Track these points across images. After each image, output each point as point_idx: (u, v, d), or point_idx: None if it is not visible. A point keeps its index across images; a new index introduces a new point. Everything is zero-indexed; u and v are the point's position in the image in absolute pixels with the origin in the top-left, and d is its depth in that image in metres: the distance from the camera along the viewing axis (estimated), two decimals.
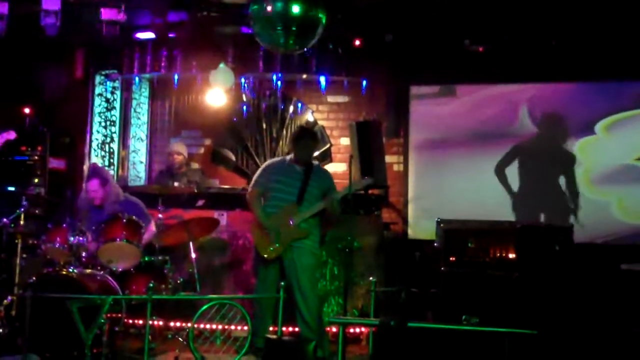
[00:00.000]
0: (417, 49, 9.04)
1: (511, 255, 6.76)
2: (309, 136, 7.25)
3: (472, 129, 9.27)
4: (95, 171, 7.50)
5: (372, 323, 6.15)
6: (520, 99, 9.17)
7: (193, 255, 7.14)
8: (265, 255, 6.95)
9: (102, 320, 6.33)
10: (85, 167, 9.63)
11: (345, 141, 9.53)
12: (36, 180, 9.34)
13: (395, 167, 9.47)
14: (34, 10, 8.22)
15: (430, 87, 9.52)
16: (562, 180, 8.97)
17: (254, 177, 7.24)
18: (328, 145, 9.58)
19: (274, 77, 9.45)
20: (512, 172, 9.10)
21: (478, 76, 9.14)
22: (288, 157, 7.23)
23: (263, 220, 6.98)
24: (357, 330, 7.60)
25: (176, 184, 8.63)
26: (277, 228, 6.92)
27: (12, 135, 6.78)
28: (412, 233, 9.26)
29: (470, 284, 6.63)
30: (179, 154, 8.97)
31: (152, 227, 7.46)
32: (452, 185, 9.18)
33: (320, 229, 7.16)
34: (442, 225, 7.25)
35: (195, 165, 9.40)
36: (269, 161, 7.45)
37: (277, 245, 6.90)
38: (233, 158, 9.72)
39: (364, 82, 9.37)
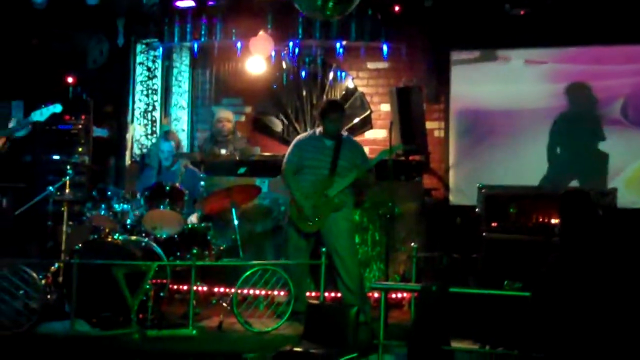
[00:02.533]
0: (457, 13, 8.93)
1: (553, 221, 6.73)
2: (335, 109, 7.24)
3: (513, 94, 9.17)
4: (171, 133, 7.60)
5: (414, 288, 6.18)
6: (562, 63, 9.04)
7: (235, 222, 7.20)
8: (303, 229, 7.02)
9: (148, 286, 6.47)
10: (129, 136, 9.74)
11: (385, 107, 9.49)
12: (80, 149, 9.47)
13: (436, 133, 9.41)
14: None
15: (471, 52, 9.41)
16: (602, 146, 8.86)
17: (286, 155, 7.27)
18: (368, 112, 9.56)
19: (314, 44, 9.44)
20: (554, 137, 9.00)
21: (519, 40, 9.01)
22: (317, 131, 7.24)
23: (299, 199, 7.03)
24: (399, 295, 7.64)
25: (222, 151, 8.67)
26: (313, 203, 6.97)
27: (58, 108, 6.87)
28: (453, 199, 9.22)
29: (512, 249, 6.60)
30: (228, 121, 8.99)
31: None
32: (493, 150, 9.11)
33: (354, 197, 7.20)
34: (483, 190, 7.22)
35: (239, 133, 9.43)
36: (298, 137, 7.45)
37: (315, 219, 6.97)
38: (275, 126, 9.75)
39: (404, 48, 9.31)
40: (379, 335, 5.69)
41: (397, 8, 9.03)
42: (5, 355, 5.97)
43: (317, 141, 7.14)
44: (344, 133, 7.35)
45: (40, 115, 6.82)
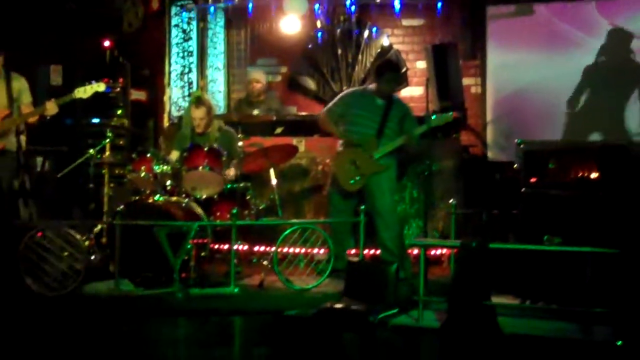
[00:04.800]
0: None
1: (593, 175, 6.68)
2: (393, 69, 7.23)
3: (550, 48, 9.06)
4: (202, 100, 7.61)
5: (453, 245, 6.19)
6: (599, 14, 8.91)
7: (274, 182, 7.24)
8: (346, 188, 7.05)
9: (189, 246, 6.55)
10: (166, 98, 9.80)
11: (421, 65, 9.45)
12: (119, 112, 9.57)
13: (473, 90, 9.36)
14: None
15: (507, 7, 9.31)
16: None
17: (330, 104, 7.27)
18: (404, 70, 9.52)
19: (348, 2, 9.38)
20: (592, 90, 8.90)
21: None
22: (369, 88, 7.22)
23: (342, 135, 7.03)
24: (438, 252, 7.66)
25: (255, 111, 8.70)
26: (357, 161, 6.98)
27: (102, 87, 6.92)
28: (491, 155, 9.18)
29: (552, 204, 6.57)
30: (257, 82, 9.01)
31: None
32: (531, 105, 9.03)
33: (398, 161, 7.20)
34: (521, 146, 7.18)
35: (274, 93, 9.44)
36: (349, 90, 7.44)
37: (358, 178, 6.99)
38: (310, 85, 9.74)
39: (439, 4, 9.21)
40: (418, 291, 5.69)
41: None
42: (52, 315, 6.09)
43: (369, 99, 7.12)
44: (395, 95, 7.33)
45: (84, 92, 6.87)
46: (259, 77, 9.09)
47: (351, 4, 9.36)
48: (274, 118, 8.46)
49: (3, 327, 5.77)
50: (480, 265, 5.52)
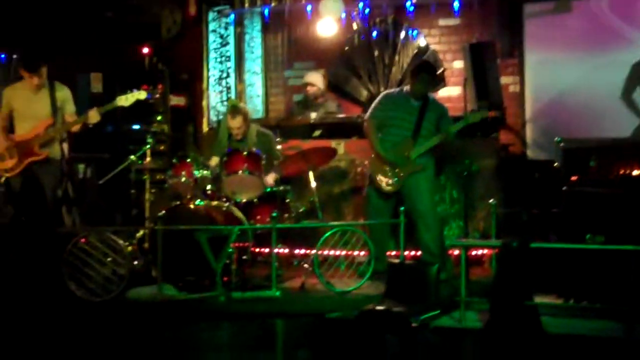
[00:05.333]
0: None
1: (635, 172, 6.61)
2: (427, 70, 7.23)
3: (589, 45, 8.97)
4: (237, 109, 7.66)
5: (494, 245, 6.16)
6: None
7: (313, 184, 7.26)
8: (383, 189, 7.06)
9: (230, 250, 6.60)
10: (205, 103, 9.88)
11: (458, 64, 9.40)
12: (159, 118, 9.66)
13: (511, 88, 9.30)
14: None
15: (545, 4, 9.23)
16: None
17: (371, 108, 7.29)
18: (441, 70, 9.48)
19: (384, 3, 9.37)
20: (634, 86, 8.79)
21: None
22: (405, 89, 7.22)
23: (381, 151, 7.06)
24: (479, 252, 7.63)
25: (313, 114, 8.68)
26: (395, 162, 6.99)
27: (142, 95, 7.00)
28: (531, 154, 9.11)
29: (593, 202, 6.51)
30: (312, 85, 8.99)
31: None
32: (570, 103, 8.95)
33: (436, 160, 7.19)
34: (562, 144, 7.14)
35: (331, 95, 9.43)
36: (386, 92, 7.45)
37: (395, 179, 7.00)
38: (348, 87, 9.75)
39: (475, 3, 9.17)
40: (460, 292, 5.69)
41: None
42: (96, 321, 6.16)
43: (404, 100, 7.14)
44: (430, 95, 7.32)
45: (126, 100, 6.96)
46: (314, 80, 9.06)
47: (387, 6, 9.36)
48: (311, 121, 8.48)
49: (48, 332, 5.87)
50: (522, 265, 5.49)
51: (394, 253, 7.25)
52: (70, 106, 7.06)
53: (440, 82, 9.41)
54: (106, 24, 10.06)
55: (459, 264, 6.14)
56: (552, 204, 6.96)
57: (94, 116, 6.84)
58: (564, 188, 6.68)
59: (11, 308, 6.35)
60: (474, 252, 7.54)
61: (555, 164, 7.26)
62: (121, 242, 6.67)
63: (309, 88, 9.03)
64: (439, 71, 9.40)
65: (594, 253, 5.72)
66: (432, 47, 9.61)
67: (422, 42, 9.62)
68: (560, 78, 9.05)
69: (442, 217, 7.63)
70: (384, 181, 7.06)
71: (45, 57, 6.94)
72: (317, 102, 9.00)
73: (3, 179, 6.99)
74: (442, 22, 9.63)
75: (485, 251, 7.52)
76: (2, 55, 10.29)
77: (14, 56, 10.04)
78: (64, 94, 7.03)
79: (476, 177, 7.61)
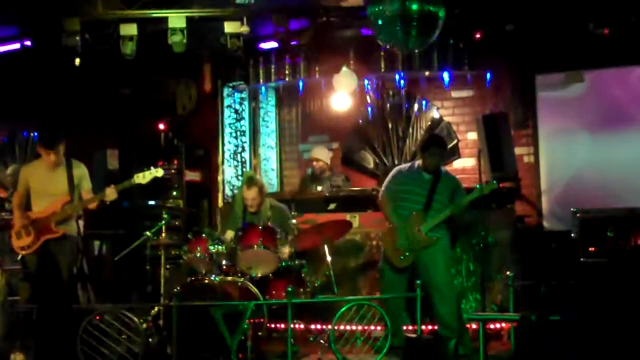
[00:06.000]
0: (540, 36, 8.86)
1: None
2: (437, 144, 7.26)
3: (603, 115, 9.01)
4: (253, 180, 7.70)
5: (513, 318, 6.09)
6: None
7: (328, 258, 7.23)
8: (396, 264, 7.03)
9: (246, 326, 6.54)
10: (220, 178, 9.93)
11: (472, 136, 9.45)
12: (174, 193, 9.72)
13: (526, 159, 9.32)
14: (161, 29, 8.57)
15: (556, 75, 9.30)
16: None
17: (385, 182, 7.31)
18: (455, 141, 9.52)
19: (397, 77, 9.48)
20: None
21: (605, 60, 8.85)
22: (416, 164, 7.25)
23: (396, 223, 7.04)
24: (498, 326, 7.52)
25: (319, 188, 8.73)
26: (407, 237, 6.97)
27: (160, 172, 7.06)
28: (547, 224, 9.07)
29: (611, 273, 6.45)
30: (317, 161, 9.06)
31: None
32: (586, 173, 8.93)
33: (450, 232, 7.16)
34: (578, 214, 7.10)
35: (337, 170, 9.50)
36: (398, 167, 7.47)
37: (407, 254, 6.98)
38: (362, 160, 9.80)
39: (488, 75, 9.27)
40: None
41: (478, 35, 9.01)
42: None
43: (416, 174, 7.15)
44: (443, 169, 7.33)
45: (143, 178, 7.01)
46: (319, 155, 9.14)
47: (400, 78, 9.45)
48: (327, 194, 8.49)
49: None
50: (542, 339, 5.41)
51: (410, 327, 7.16)
52: (87, 183, 7.10)
53: (453, 154, 9.45)
54: (122, 101, 10.20)
55: (477, 338, 6.05)
56: (570, 275, 6.89)
57: (110, 194, 6.87)
58: (582, 259, 6.63)
59: None
60: (492, 326, 7.45)
61: (572, 235, 7.20)
62: (136, 319, 6.63)
63: (315, 163, 9.11)
64: (453, 143, 9.45)
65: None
66: (446, 118, 9.68)
67: (435, 114, 9.69)
68: (575, 148, 9.06)
69: (459, 290, 7.56)
70: (397, 256, 7.03)
71: (62, 135, 7.00)
72: (324, 177, 9.05)
73: (19, 257, 6.99)
74: (455, 94, 9.72)
75: (504, 325, 7.42)
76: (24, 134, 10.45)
77: (31, 134, 10.17)
78: (80, 171, 7.08)
79: (492, 249, 7.57)
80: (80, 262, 7.26)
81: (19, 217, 6.95)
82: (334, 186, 8.86)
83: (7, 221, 7.65)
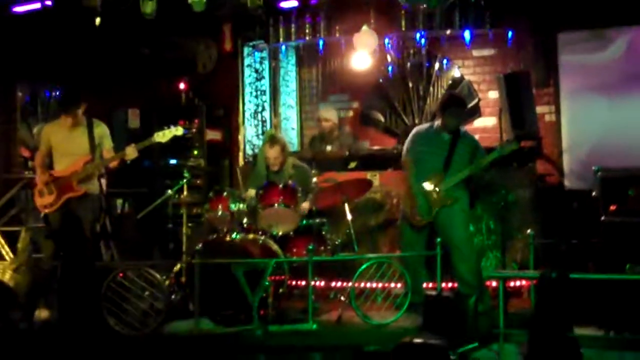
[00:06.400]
0: None
1: None
2: (457, 104, 7.22)
3: (626, 73, 8.89)
4: (276, 138, 7.73)
5: (533, 276, 6.10)
6: None
7: (349, 216, 7.26)
8: (416, 223, 7.04)
9: (267, 283, 6.61)
10: (241, 137, 9.95)
11: (493, 95, 9.39)
12: (195, 152, 9.76)
13: (547, 118, 9.24)
14: None
15: (579, 33, 9.17)
16: None
17: (405, 145, 7.30)
18: (476, 100, 9.47)
19: (418, 35, 9.39)
20: None
21: (629, 18, 8.74)
22: (435, 124, 7.22)
23: (415, 188, 7.05)
24: (518, 283, 7.55)
25: (328, 148, 8.77)
26: (426, 196, 6.98)
27: (179, 131, 7.08)
28: (568, 183, 9.02)
29: (633, 232, 6.43)
30: (326, 120, 9.07)
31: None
32: (608, 132, 8.85)
33: (469, 191, 7.15)
34: (599, 173, 7.05)
35: (346, 129, 9.50)
36: (417, 128, 7.45)
37: (426, 213, 6.98)
38: (382, 119, 9.78)
39: (510, 33, 9.17)
40: (499, 324, 5.63)
41: None
42: (134, 354, 6.21)
43: (435, 134, 7.13)
44: (462, 128, 7.30)
45: (163, 136, 7.03)
46: (328, 115, 9.14)
47: (421, 37, 9.37)
48: (347, 153, 8.50)
49: None
50: (561, 296, 5.43)
51: (430, 285, 7.20)
52: (108, 142, 7.13)
53: (474, 113, 9.40)
54: (143, 61, 10.20)
55: (496, 296, 6.08)
56: (591, 234, 6.89)
57: (131, 152, 6.91)
58: (603, 218, 6.61)
59: (52, 342, 6.43)
60: (512, 284, 7.48)
61: (593, 194, 7.16)
62: (159, 276, 6.69)
63: (324, 123, 9.10)
64: (473, 102, 9.40)
65: (634, 283, 5.64)
66: (467, 77, 9.61)
67: (456, 73, 9.63)
68: (597, 106, 8.97)
69: (479, 249, 7.58)
70: (416, 215, 7.04)
71: (82, 95, 7.02)
72: (333, 137, 9.05)
73: (43, 215, 7.06)
74: (476, 52, 9.64)
75: (524, 282, 7.44)
76: (46, 93, 10.50)
77: (53, 93, 10.21)
78: (101, 130, 7.11)
79: (513, 208, 7.58)
80: (103, 220, 7.34)
81: (42, 175, 7.01)
82: (343, 145, 8.86)
83: (31, 180, 7.70)
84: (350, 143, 8.95)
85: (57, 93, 10.00)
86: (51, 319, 7.03)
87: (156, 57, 10.21)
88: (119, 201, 9.25)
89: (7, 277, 7.26)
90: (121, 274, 6.67)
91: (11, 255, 7.39)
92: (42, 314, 7.13)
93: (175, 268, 7.24)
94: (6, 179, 8.72)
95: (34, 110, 10.36)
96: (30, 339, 6.72)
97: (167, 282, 6.82)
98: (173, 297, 6.93)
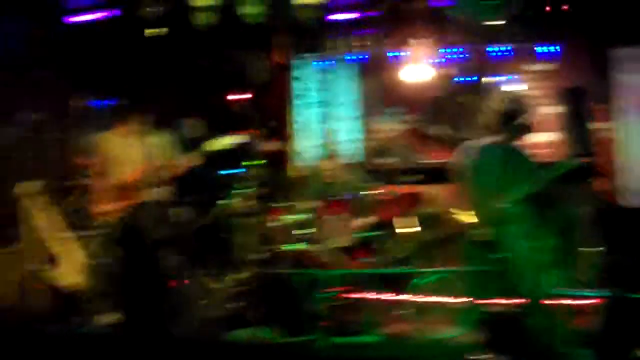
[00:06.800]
0: (619, 9, 8.68)
1: None
2: (513, 118, 7.17)
3: None
4: (331, 150, 7.78)
5: (597, 294, 6.05)
6: None
7: (408, 229, 7.25)
8: (477, 238, 7.00)
9: (327, 295, 6.62)
10: (296, 148, 9.99)
11: (550, 110, 9.32)
12: (252, 163, 9.74)
13: (605, 134, 9.17)
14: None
15: (636, 50, 9.12)
16: None
17: (457, 159, 7.26)
18: (533, 115, 9.38)
19: (473, 49, 9.38)
20: None
21: None
22: (492, 139, 7.18)
23: (473, 203, 7.02)
24: (581, 301, 7.46)
25: (388, 160, 8.76)
26: (484, 212, 6.94)
27: (235, 139, 7.14)
28: (623, 201, 8.94)
29: None
30: (386, 132, 9.10)
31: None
32: None
33: (529, 207, 7.10)
34: None
35: (405, 142, 9.48)
36: (471, 142, 7.41)
37: (486, 229, 6.94)
38: (438, 133, 9.75)
39: (566, 48, 9.13)
40: (563, 342, 5.58)
41: (555, 7, 8.85)
42: None
43: (492, 149, 7.08)
44: (515, 143, 7.25)
45: (217, 145, 7.09)
46: (389, 127, 9.15)
47: (476, 51, 9.36)
48: (406, 166, 8.50)
49: None
50: (626, 315, 5.38)
51: (491, 301, 7.15)
52: (167, 151, 7.19)
53: (529, 128, 9.33)
54: (200, 72, 10.30)
55: (559, 314, 6.01)
56: None
57: (189, 161, 6.96)
58: None
59: (115, 347, 6.50)
60: (575, 302, 7.40)
61: None
62: (219, 284, 6.74)
63: (383, 135, 9.11)
64: (529, 117, 9.33)
65: None
66: (523, 92, 9.54)
67: (510, 87, 9.58)
68: None
69: (540, 265, 7.51)
70: (476, 230, 7.00)
71: (139, 105, 7.09)
72: (392, 149, 9.05)
73: (102, 222, 7.13)
74: (531, 67, 9.58)
75: (587, 300, 7.36)
76: (104, 102, 10.62)
77: (110, 103, 10.31)
78: (159, 139, 7.16)
79: (574, 224, 7.52)
80: (162, 228, 7.38)
81: (100, 183, 7.08)
82: (401, 158, 8.85)
83: (90, 187, 7.78)
84: (408, 156, 8.94)
85: (114, 102, 10.10)
86: (114, 324, 7.10)
87: (213, 69, 10.30)
88: (178, 210, 9.30)
89: (70, 282, 7.36)
90: (182, 282, 6.72)
91: (74, 261, 7.46)
92: (104, 319, 7.20)
93: (235, 277, 7.28)
94: (65, 187, 8.80)
95: (94, 119, 10.48)
96: (93, 343, 6.80)
97: (227, 291, 6.85)
98: (233, 306, 6.96)
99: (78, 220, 8.55)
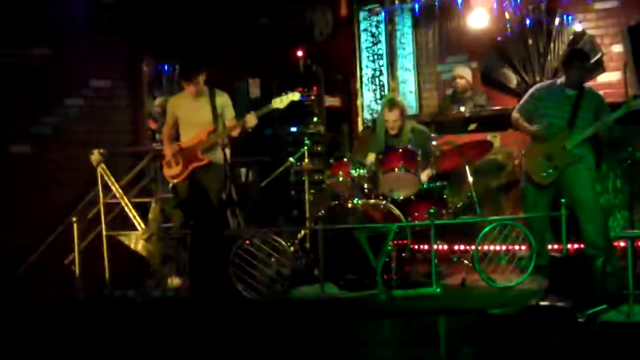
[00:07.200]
0: None
1: None
2: (581, 58, 7.03)
3: None
4: (395, 102, 7.75)
5: None
6: None
7: (470, 179, 7.20)
8: (539, 181, 6.92)
9: (389, 248, 6.66)
10: (359, 102, 10.00)
11: (617, 48, 9.03)
12: (315, 119, 9.86)
13: None
14: None
15: None
16: None
17: (521, 102, 7.17)
18: (599, 55, 9.16)
19: None
20: None
21: None
22: (558, 81, 7.07)
23: (536, 132, 6.93)
24: None
25: (462, 108, 8.67)
26: (551, 153, 6.85)
27: (297, 96, 7.16)
28: None
29: None
30: (461, 78, 9.01)
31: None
32: None
33: (595, 149, 6.97)
34: None
35: (479, 88, 9.36)
36: (537, 86, 7.29)
37: (551, 171, 6.85)
38: (502, 79, 9.59)
39: None
40: (627, 285, 5.52)
41: None
42: (263, 319, 6.39)
43: (558, 91, 6.99)
44: (586, 85, 7.11)
45: (280, 102, 7.13)
46: (462, 73, 9.07)
47: None
48: (467, 114, 8.41)
49: (218, 332, 6.14)
50: None
51: (555, 246, 7.10)
52: (230, 112, 7.27)
53: (597, 68, 9.10)
54: (261, 30, 10.36)
55: (625, 256, 5.93)
56: None
57: (251, 120, 7.02)
58: None
59: (184, 308, 6.70)
60: None
61: None
62: (284, 242, 6.85)
63: (457, 81, 9.03)
64: (597, 57, 9.10)
65: None
66: (589, 32, 9.29)
67: (577, 27, 9.32)
68: None
69: (606, 208, 7.40)
70: (540, 174, 6.92)
71: (201, 66, 7.17)
72: (466, 96, 8.96)
73: (171, 185, 7.31)
74: (598, 5, 9.27)
75: None
76: (167, 67, 10.81)
77: (177, 67, 10.49)
78: (223, 100, 7.25)
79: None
80: (228, 189, 7.53)
81: (169, 147, 7.22)
82: (477, 106, 8.75)
83: (159, 151, 7.97)
84: (483, 103, 8.83)
85: (180, 65, 10.26)
86: (182, 287, 7.32)
87: (275, 26, 10.35)
88: (243, 170, 9.46)
89: (139, 246, 7.60)
90: (248, 241, 6.87)
91: (143, 226, 7.68)
92: (173, 281, 7.43)
93: (299, 234, 7.39)
94: (135, 152, 9.03)
95: (159, 84, 10.71)
96: (163, 306, 7.03)
97: (292, 249, 6.97)
98: (298, 262, 7.07)
99: (152, 184, 8.80)
